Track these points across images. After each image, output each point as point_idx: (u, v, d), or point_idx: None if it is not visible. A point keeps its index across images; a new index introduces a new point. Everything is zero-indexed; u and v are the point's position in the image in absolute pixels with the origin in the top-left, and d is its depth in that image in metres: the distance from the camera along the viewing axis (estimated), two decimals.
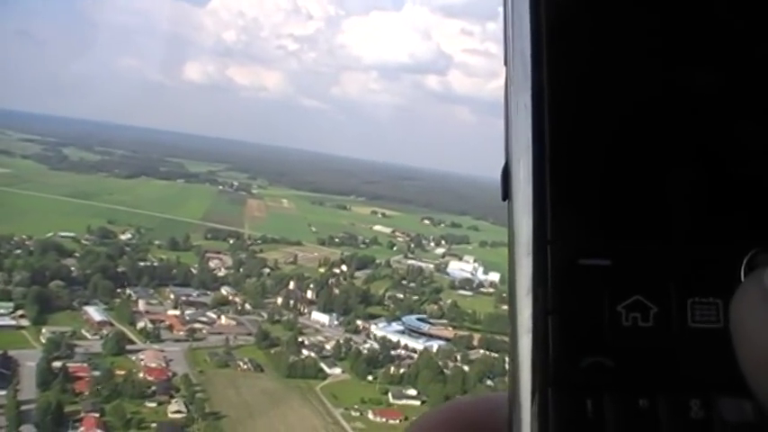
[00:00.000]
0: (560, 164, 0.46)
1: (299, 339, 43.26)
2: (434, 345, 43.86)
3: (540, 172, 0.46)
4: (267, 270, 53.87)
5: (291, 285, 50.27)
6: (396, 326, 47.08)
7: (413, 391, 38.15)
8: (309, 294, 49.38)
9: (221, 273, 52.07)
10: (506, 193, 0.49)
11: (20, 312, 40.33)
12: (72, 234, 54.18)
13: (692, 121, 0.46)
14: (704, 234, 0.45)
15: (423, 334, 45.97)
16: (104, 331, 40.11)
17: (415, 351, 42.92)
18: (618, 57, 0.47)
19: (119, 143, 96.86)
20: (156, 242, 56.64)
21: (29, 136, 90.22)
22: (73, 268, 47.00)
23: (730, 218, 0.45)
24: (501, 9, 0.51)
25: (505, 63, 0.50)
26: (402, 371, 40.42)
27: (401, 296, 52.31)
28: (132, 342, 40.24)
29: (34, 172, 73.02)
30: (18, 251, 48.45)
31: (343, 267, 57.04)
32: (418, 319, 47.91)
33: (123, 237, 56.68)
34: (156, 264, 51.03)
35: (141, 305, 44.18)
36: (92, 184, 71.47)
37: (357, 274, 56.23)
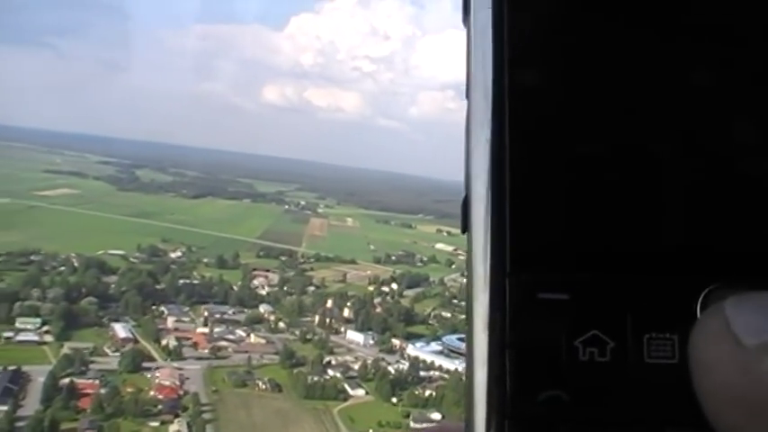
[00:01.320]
0: (519, 197, 0.46)
1: (327, 359, 41.50)
2: None
3: (499, 205, 0.46)
4: (312, 288, 52.47)
5: (329, 304, 48.65)
6: (435, 346, 44.79)
7: (437, 415, 35.67)
8: (347, 313, 47.59)
9: (263, 291, 50.82)
10: (465, 226, 0.48)
11: (45, 328, 40.10)
12: (121, 252, 54.05)
13: (651, 157, 0.46)
14: (663, 266, 0.45)
15: (462, 354, 43.32)
16: (127, 348, 39.47)
17: (448, 372, 40.58)
18: (580, 94, 0.47)
19: (193, 165, 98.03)
20: (205, 260, 55.98)
21: (106, 158, 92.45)
22: (113, 285, 46.76)
23: (689, 251, 0.45)
24: (464, 42, 0.51)
25: (467, 96, 0.50)
26: (429, 393, 38.20)
27: (448, 315, 49.92)
28: (152, 359, 39.36)
29: (101, 192, 74.26)
30: (62, 268, 48.58)
31: (393, 285, 55.21)
32: (459, 339, 45.36)
33: (173, 255, 56.25)
34: (195, 281, 50.27)
35: (170, 322, 43.28)
36: (155, 204, 72.01)
37: (407, 292, 54.29)
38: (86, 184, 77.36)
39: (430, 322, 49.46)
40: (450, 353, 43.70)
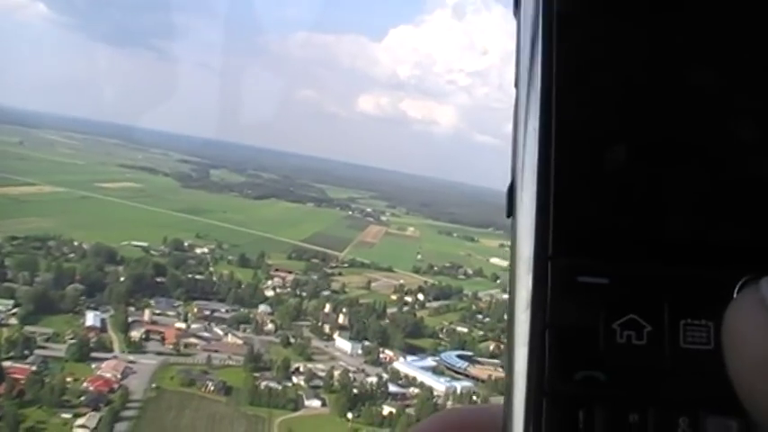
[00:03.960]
0: (564, 184, 0.47)
1: (296, 366, 38.17)
2: (458, 385, 36.99)
3: (544, 191, 0.47)
4: (326, 293, 49.26)
5: (327, 309, 45.30)
6: (430, 361, 40.73)
7: None
8: (342, 319, 44.09)
9: (270, 292, 48.01)
10: (510, 211, 0.50)
11: (14, 311, 38.89)
12: (144, 244, 52.67)
13: (696, 148, 0.47)
14: (701, 257, 0.46)
15: (457, 372, 39.24)
16: (91, 336, 37.64)
17: (425, 390, 36.54)
18: (628, 86, 0.48)
19: (274, 168, 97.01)
20: (229, 257, 53.85)
21: (186, 157, 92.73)
22: (109, 275, 45.27)
23: (727, 243, 0.46)
24: (514, 31, 0.52)
25: (516, 85, 0.51)
26: (389, 411, 34.17)
27: (464, 330, 45.60)
28: (110, 350, 37.30)
29: (163, 188, 73.97)
30: (71, 255, 47.60)
31: (420, 296, 51.38)
32: (459, 356, 41.04)
33: (199, 250, 54.46)
34: (199, 277, 48.15)
35: (147, 315, 41.12)
36: (213, 202, 70.99)
37: (431, 304, 50.39)
38: (153, 179, 77.45)
39: (440, 336, 45.36)
40: (446, 370, 39.76)
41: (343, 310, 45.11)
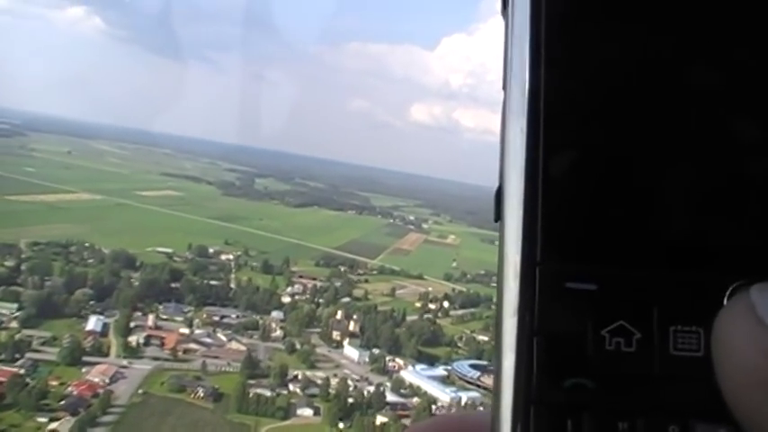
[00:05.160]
0: (552, 188, 0.46)
1: (294, 373, 36.59)
2: (464, 396, 34.87)
3: (532, 195, 0.46)
4: (345, 299, 47.65)
5: (339, 315, 43.63)
6: (441, 370, 38.77)
7: None
8: (352, 326, 42.37)
9: (286, 299, 46.63)
10: (498, 215, 0.49)
11: (16, 314, 38.45)
12: (169, 250, 52.02)
13: (687, 151, 0.46)
14: (691, 262, 0.46)
15: (469, 382, 37.11)
16: (90, 340, 36.88)
17: (428, 400, 34.59)
18: (616, 88, 0.47)
19: (322, 177, 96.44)
20: (253, 264, 52.80)
21: (234, 166, 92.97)
22: (122, 280, 44.61)
23: (718, 247, 0.46)
24: (502, 34, 0.52)
25: (504, 88, 0.51)
26: (382, 421, 32.29)
27: (485, 339, 43.33)
28: (106, 354, 36.44)
29: (203, 197, 73.76)
30: (90, 260, 47.24)
31: (445, 304, 49.39)
32: (472, 366, 38.80)
33: (224, 257, 53.54)
34: (215, 282, 47.10)
35: (150, 320, 40.19)
36: (251, 209, 70.42)
37: (458, 312, 48.35)
38: (195, 187, 77.43)
39: (458, 345, 43.29)
40: (457, 379, 37.76)
41: (354, 317, 43.34)
